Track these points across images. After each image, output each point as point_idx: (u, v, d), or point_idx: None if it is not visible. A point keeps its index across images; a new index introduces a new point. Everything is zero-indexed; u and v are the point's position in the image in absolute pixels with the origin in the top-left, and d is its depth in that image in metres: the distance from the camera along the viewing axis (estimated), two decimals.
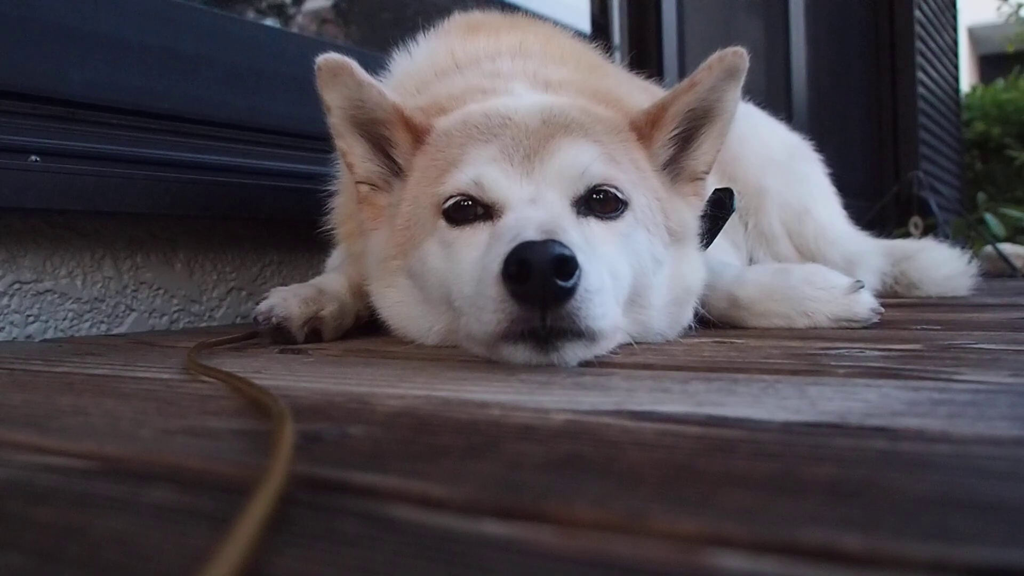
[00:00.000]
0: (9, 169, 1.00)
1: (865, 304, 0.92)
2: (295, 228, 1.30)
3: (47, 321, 1.11)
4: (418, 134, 0.85)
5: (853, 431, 0.40)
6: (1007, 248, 2.37)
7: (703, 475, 0.33)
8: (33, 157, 1.04)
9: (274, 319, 0.87)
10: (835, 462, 0.35)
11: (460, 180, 0.78)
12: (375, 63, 1.10)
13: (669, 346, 0.80)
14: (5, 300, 1.07)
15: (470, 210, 0.78)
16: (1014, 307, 1.12)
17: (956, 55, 5.00)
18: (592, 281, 0.65)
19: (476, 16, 1.14)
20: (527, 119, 0.80)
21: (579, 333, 0.66)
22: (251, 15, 1.74)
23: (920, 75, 4.03)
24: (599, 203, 0.78)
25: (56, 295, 1.12)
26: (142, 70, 1.22)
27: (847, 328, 0.90)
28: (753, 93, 1.35)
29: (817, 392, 0.50)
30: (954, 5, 5.03)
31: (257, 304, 0.90)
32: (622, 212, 0.79)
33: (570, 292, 0.63)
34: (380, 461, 0.37)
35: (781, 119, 1.58)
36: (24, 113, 1.07)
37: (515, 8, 1.72)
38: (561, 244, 0.63)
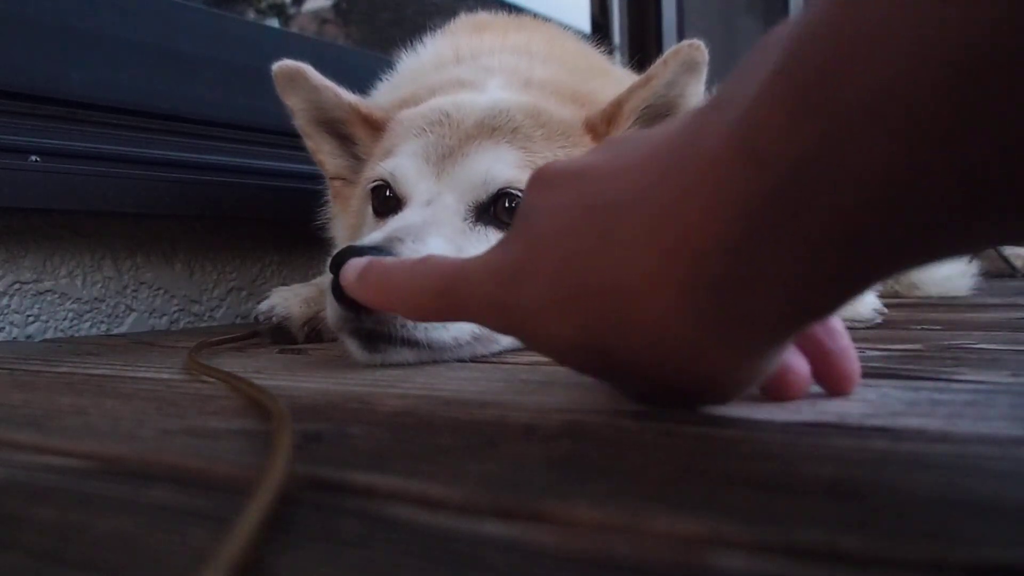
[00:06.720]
0: (9, 169, 1.00)
1: (869, 304, 0.91)
2: (295, 228, 1.30)
3: (47, 321, 1.11)
4: (378, 127, 0.88)
5: (853, 431, 0.40)
6: (1007, 248, 2.36)
7: (703, 475, 0.33)
8: (33, 157, 1.04)
9: (275, 319, 0.87)
10: (835, 462, 0.35)
11: (382, 168, 0.80)
12: (376, 63, 1.10)
13: None
14: (5, 300, 1.07)
15: (391, 201, 0.79)
16: (1014, 307, 1.11)
17: None
18: None
19: (482, 17, 1.15)
20: (463, 118, 0.80)
21: (405, 341, 0.66)
22: (251, 15, 1.74)
23: None
24: (509, 212, 0.75)
25: (56, 295, 1.12)
26: (142, 70, 1.22)
27: (850, 328, 0.90)
28: None
29: (817, 392, 0.50)
30: None
31: (257, 304, 0.91)
32: None
33: None
34: (380, 461, 0.37)
35: None
36: (24, 113, 1.07)
37: (520, 9, 1.72)
38: (379, 251, 0.61)
